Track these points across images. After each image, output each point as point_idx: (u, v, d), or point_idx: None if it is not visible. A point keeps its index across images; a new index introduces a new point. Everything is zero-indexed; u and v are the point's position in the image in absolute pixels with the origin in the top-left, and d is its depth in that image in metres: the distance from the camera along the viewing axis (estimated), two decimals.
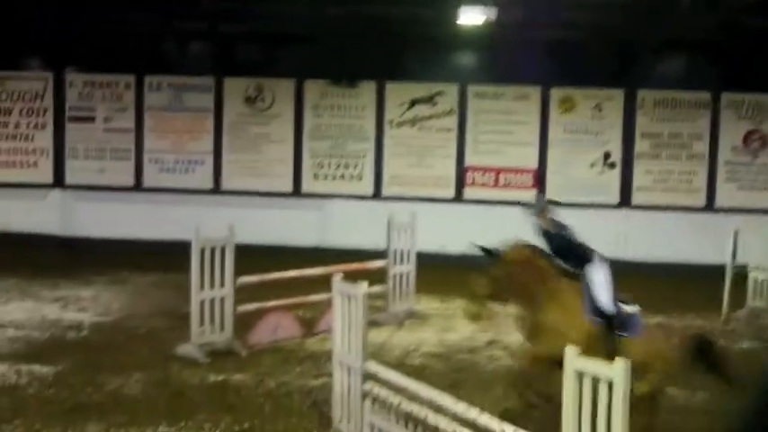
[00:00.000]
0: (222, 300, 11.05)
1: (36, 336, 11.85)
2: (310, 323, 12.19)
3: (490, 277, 8.11)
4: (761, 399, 3.68)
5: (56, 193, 18.95)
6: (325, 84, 18.80)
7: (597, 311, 8.03)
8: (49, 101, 19.31)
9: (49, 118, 19.30)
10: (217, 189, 18.86)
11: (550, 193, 18.29)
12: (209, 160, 18.95)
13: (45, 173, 19.28)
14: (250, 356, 10.98)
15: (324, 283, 11.71)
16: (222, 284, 10.99)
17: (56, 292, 14.44)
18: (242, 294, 11.25)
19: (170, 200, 18.42)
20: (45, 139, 19.31)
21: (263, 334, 11.52)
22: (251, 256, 11.83)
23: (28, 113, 19.33)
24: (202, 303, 10.84)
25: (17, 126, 19.36)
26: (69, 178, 19.17)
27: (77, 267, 16.00)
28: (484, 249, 8.19)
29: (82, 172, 19.11)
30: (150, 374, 10.20)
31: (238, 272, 11.13)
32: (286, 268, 12.08)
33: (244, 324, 11.32)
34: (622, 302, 8.17)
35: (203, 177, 18.92)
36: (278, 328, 11.66)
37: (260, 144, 18.92)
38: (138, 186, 19.01)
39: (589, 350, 7.57)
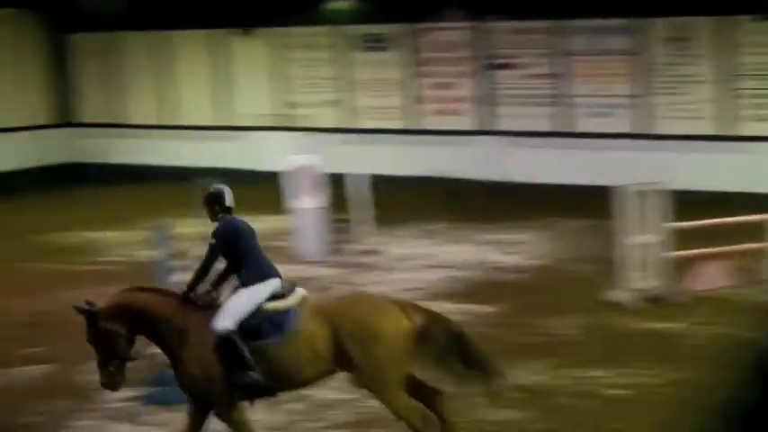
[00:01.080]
0: (652, 246, 11.00)
1: (473, 276, 12.58)
2: (749, 272, 11.53)
3: (92, 339, 7.14)
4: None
5: (482, 139, 19.68)
6: (750, 20, 17.74)
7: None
8: (471, 50, 20.07)
9: (473, 66, 20.07)
10: (641, 133, 18.51)
11: None
12: (633, 104, 18.67)
13: (471, 120, 20.14)
14: (682, 305, 10.85)
15: (755, 230, 11.32)
16: (653, 231, 10.94)
17: (486, 236, 15.06)
18: (672, 241, 11.11)
19: (594, 145, 18.31)
20: (469, 87, 20.13)
21: (704, 281, 11.25)
22: (678, 202, 11.61)
23: (452, 63, 20.25)
24: (632, 249, 10.89)
25: (443, 75, 20.37)
26: (495, 124, 19.82)
27: (505, 212, 16.43)
28: (81, 310, 7.10)
29: (506, 118, 19.67)
30: (582, 319, 10.51)
31: (667, 217, 11.03)
32: (714, 214, 11.76)
33: (675, 271, 11.16)
34: (278, 297, 7.07)
35: (627, 121, 18.68)
36: (717, 276, 11.33)
37: (685, 86, 18.30)
38: (561, 132, 19.19)
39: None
